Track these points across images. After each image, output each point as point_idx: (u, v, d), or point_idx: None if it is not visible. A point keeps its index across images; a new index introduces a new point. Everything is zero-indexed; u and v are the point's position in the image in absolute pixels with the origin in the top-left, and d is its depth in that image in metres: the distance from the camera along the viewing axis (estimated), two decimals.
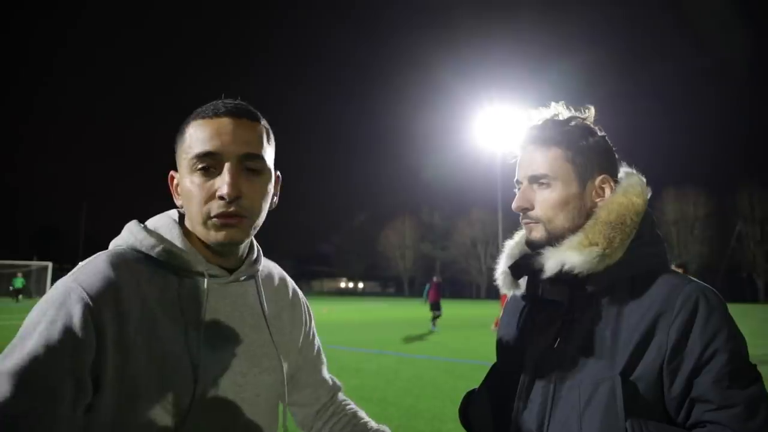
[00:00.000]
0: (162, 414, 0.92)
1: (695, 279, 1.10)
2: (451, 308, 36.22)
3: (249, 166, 1.00)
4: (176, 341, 0.95)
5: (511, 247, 1.30)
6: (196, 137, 0.99)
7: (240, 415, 1.01)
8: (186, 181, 1.00)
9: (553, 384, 1.10)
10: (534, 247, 1.18)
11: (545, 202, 1.16)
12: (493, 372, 1.29)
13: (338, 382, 1.38)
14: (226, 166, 0.98)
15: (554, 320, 1.15)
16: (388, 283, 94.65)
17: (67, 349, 0.84)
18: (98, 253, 0.99)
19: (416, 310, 32.86)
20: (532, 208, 1.18)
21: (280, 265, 1.32)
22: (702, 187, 59.58)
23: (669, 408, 1.04)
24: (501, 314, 1.37)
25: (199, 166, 0.98)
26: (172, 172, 1.07)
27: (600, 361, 1.06)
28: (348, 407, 1.33)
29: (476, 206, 74.71)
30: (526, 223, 1.20)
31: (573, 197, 1.15)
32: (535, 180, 1.17)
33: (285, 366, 1.13)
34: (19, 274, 35.72)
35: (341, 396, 1.37)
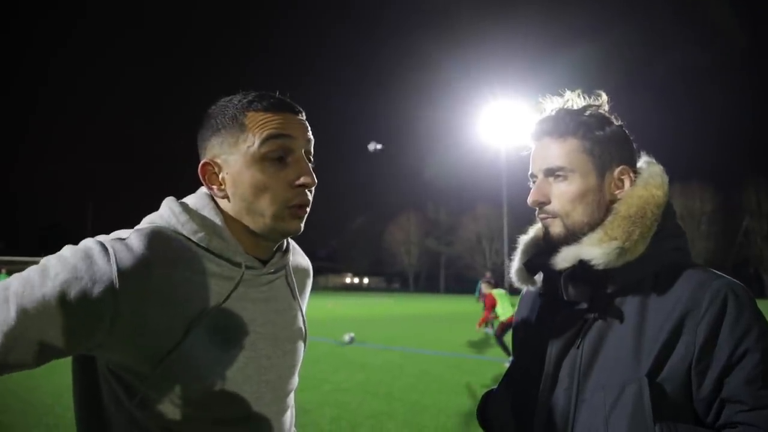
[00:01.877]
0: (183, 397, 0.94)
1: (722, 273, 1.05)
2: (456, 303, 36.17)
3: (310, 159, 1.05)
4: (201, 328, 0.95)
5: (525, 243, 1.26)
6: (267, 127, 0.99)
7: (263, 396, 1.04)
8: (252, 171, 0.99)
9: (576, 386, 1.07)
10: (552, 243, 1.14)
11: (563, 195, 1.12)
12: (512, 372, 1.26)
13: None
14: (300, 157, 1.01)
15: (575, 320, 1.11)
16: (393, 278, 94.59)
17: (74, 311, 0.85)
18: (138, 228, 0.98)
19: (421, 306, 32.87)
20: (549, 203, 1.14)
21: None
22: (708, 182, 59.25)
23: (698, 409, 1.00)
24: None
25: (274, 155, 0.99)
26: (208, 161, 1.02)
27: (625, 363, 1.02)
28: None
29: (481, 202, 74.56)
30: (543, 218, 1.16)
31: (591, 190, 1.11)
32: (551, 173, 1.13)
33: (305, 344, 1.17)
34: (4, 270, 33.07)
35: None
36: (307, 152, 1.04)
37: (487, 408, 1.26)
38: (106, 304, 0.87)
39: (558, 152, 1.13)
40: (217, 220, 1.02)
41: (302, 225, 1.05)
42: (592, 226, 1.10)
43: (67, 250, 0.90)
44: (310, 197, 1.04)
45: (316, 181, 1.02)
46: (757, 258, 57.82)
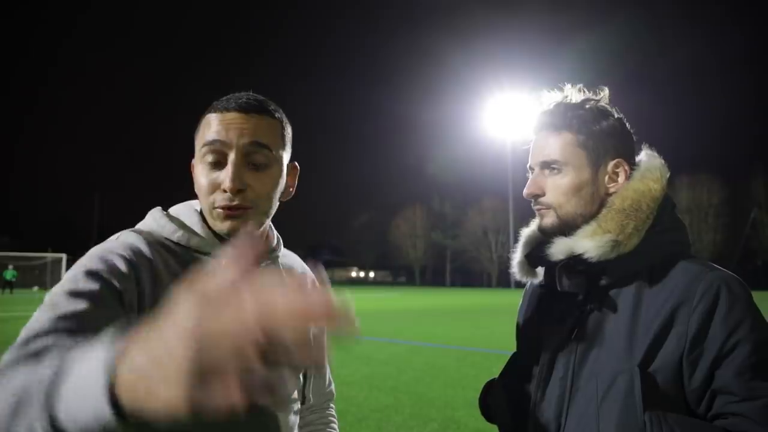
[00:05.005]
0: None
1: (718, 266, 1.06)
2: (461, 297, 36.22)
3: (254, 159, 1.02)
4: None
5: (527, 235, 1.28)
6: (207, 130, 1.03)
7: None
8: (196, 171, 1.05)
9: (570, 376, 1.08)
10: (546, 234, 1.17)
11: (556, 188, 1.14)
12: (512, 362, 1.28)
13: (333, 390, 1.39)
14: (231, 159, 1.00)
15: (571, 311, 1.12)
16: (399, 272, 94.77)
17: (114, 280, 0.89)
18: (121, 232, 1.03)
19: (427, 299, 32.90)
20: (543, 195, 1.16)
21: None
22: (716, 174, 58.66)
23: (689, 400, 1.01)
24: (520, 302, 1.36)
25: (209, 159, 1.02)
26: (193, 161, 1.09)
27: (618, 353, 1.03)
28: (329, 427, 1.32)
29: (487, 195, 74.62)
30: (538, 210, 1.19)
31: (585, 183, 1.13)
32: (546, 166, 1.16)
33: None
34: (10, 266, 33.75)
35: (331, 408, 1.38)
36: (254, 145, 1.01)
37: (488, 397, 1.28)
38: (129, 278, 0.92)
39: (553, 145, 1.15)
40: (195, 218, 1.07)
41: (240, 224, 1.02)
42: (586, 218, 1.12)
43: (75, 264, 0.93)
44: (242, 201, 1.01)
45: (240, 185, 0.99)
46: (764, 250, 57.43)
